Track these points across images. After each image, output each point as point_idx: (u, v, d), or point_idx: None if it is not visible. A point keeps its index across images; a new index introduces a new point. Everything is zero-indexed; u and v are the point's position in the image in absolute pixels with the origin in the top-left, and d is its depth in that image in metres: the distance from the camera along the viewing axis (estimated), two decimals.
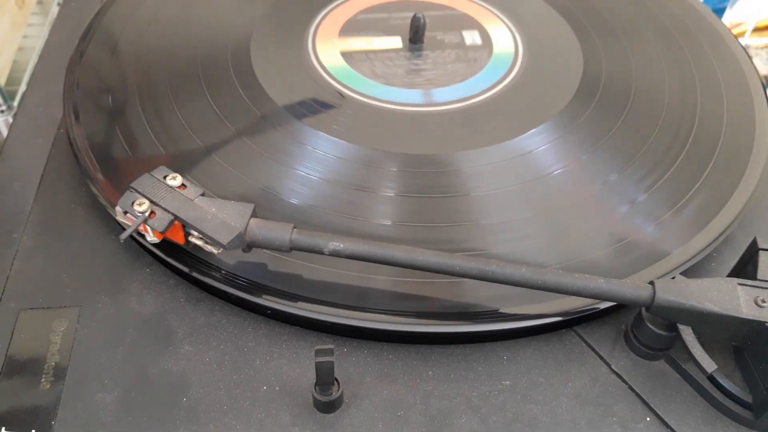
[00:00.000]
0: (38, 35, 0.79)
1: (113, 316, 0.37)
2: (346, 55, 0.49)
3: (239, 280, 0.37)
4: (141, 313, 0.37)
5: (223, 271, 0.37)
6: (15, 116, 0.50)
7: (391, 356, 0.36)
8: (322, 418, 0.33)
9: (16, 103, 0.71)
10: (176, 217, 0.35)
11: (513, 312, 0.36)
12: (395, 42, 0.51)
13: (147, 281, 0.39)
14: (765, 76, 0.82)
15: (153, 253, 0.39)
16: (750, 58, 0.53)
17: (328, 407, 0.33)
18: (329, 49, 0.50)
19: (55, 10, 0.78)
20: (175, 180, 0.36)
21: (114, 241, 0.40)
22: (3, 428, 0.32)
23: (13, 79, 0.75)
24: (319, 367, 0.31)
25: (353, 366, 0.35)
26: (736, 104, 0.48)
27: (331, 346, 0.31)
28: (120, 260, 0.40)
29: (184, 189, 0.36)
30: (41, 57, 0.55)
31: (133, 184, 0.36)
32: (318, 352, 0.31)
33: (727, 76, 0.50)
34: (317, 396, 0.33)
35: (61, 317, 0.37)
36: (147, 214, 0.35)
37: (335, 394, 0.33)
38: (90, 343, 0.36)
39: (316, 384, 0.33)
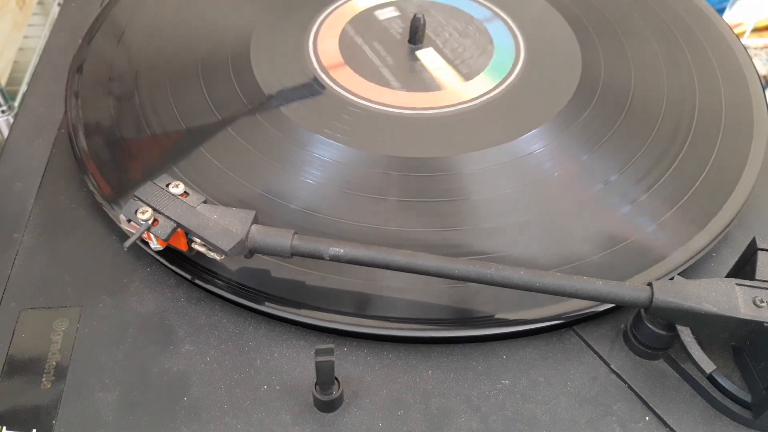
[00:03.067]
0: (39, 35, 0.79)
1: (114, 315, 0.37)
2: (466, 77, 0.48)
3: (241, 287, 0.37)
4: (142, 313, 0.37)
5: (225, 278, 0.37)
6: (16, 116, 0.50)
7: (391, 355, 0.36)
8: (322, 417, 0.34)
9: (17, 104, 0.71)
10: (179, 225, 0.35)
11: (513, 318, 0.36)
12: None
13: (148, 281, 0.39)
14: (764, 77, 0.82)
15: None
16: (750, 57, 0.53)
17: (328, 406, 0.34)
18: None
19: (55, 10, 0.78)
20: (177, 188, 0.36)
21: (115, 240, 0.40)
22: (4, 427, 0.33)
23: (14, 80, 0.75)
24: (319, 366, 0.32)
25: (353, 365, 0.36)
26: (735, 104, 0.48)
27: (331, 345, 0.31)
28: (121, 260, 0.40)
29: (186, 197, 0.36)
30: (42, 57, 0.55)
31: (136, 193, 0.36)
32: (318, 352, 0.31)
33: (726, 75, 0.51)
34: (317, 395, 0.33)
35: (62, 317, 0.37)
36: (150, 222, 0.35)
37: (335, 394, 0.33)
38: (91, 342, 0.36)
39: (316, 383, 0.33)
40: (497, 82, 0.48)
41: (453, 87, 0.47)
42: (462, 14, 0.54)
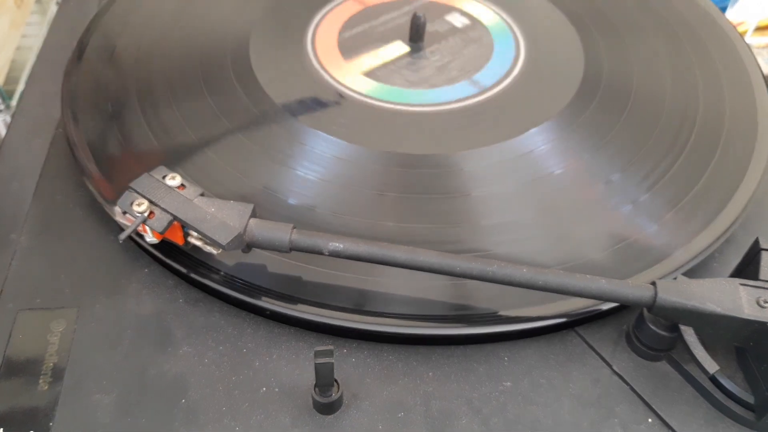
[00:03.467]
0: (37, 35, 0.79)
1: (111, 316, 0.37)
2: (369, 73, 0.48)
3: (238, 281, 0.37)
4: (139, 314, 0.37)
5: (222, 273, 0.37)
6: (13, 116, 0.50)
7: (391, 357, 0.36)
8: (321, 419, 0.33)
9: (14, 103, 0.71)
10: (175, 218, 0.35)
11: (514, 315, 0.36)
12: (398, 46, 0.51)
13: (145, 282, 0.38)
14: (767, 76, 0.82)
15: (151, 253, 0.38)
16: (754, 56, 0.53)
17: (327, 409, 0.33)
18: (337, 63, 0.49)
19: (53, 9, 0.77)
20: (174, 180, 0.36)
21: (112, 241, 0.40)
22: (1, 429, 0.32)
23: (11, 79, 0.75)
24: (318, 368, 0.31)
25: (353, 367, 0.35)
26: (739, 103, 0.48)
27: (330, 347, 0.31)
28: (118, 261, 0.39)
29: (183, 189, 0.36)
30: (40, 56, 0.55)
31: (132, 184, 0.35)
32: (317, 354, 0.31)
33: (730, 74, 0.50)
34: (317, 397, 0.33)
35: (59, 318, 0.37)
36: (146, 214, 0.34)
37: (335, 396, 0.33)
38: (88, 343, 0.36)
39: (315, 385, 0.33)
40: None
41: (350, 68, 0.48)
42: (485, 58, 0.50)
